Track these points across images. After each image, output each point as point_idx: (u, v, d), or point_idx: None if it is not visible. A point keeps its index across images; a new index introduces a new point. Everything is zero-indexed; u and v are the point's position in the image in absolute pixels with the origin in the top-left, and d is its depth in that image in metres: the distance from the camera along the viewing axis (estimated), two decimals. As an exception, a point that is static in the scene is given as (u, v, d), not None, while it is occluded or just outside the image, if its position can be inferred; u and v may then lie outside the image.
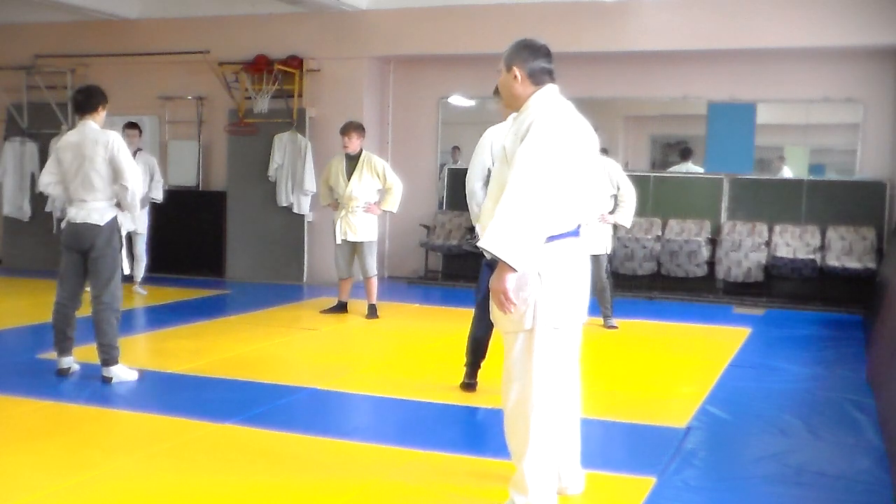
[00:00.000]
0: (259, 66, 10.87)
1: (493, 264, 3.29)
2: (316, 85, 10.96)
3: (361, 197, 8.19)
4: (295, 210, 10.84)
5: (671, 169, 10.87)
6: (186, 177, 11.58)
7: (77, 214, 5.67)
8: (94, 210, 5.65)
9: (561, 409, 3.46)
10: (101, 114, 6.04)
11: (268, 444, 4.50)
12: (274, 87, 10.87)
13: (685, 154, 10.87)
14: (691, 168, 10.71)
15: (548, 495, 3.43)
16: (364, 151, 8.37)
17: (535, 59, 3.46)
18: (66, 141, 5.90)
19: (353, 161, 8.28)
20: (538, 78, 3.45)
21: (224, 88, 11.09)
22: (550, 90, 3.47)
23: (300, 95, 10.91)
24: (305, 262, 10.95)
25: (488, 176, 4.91)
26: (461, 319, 8.41)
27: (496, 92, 5.25)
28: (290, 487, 3.89)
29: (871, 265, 9.25)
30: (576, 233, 3.41)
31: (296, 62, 10.88)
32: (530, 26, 10.09)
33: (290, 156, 10.82)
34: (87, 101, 5.94)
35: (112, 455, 4.26)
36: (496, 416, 5.07)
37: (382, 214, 8.61)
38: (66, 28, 11.80)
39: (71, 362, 5.78)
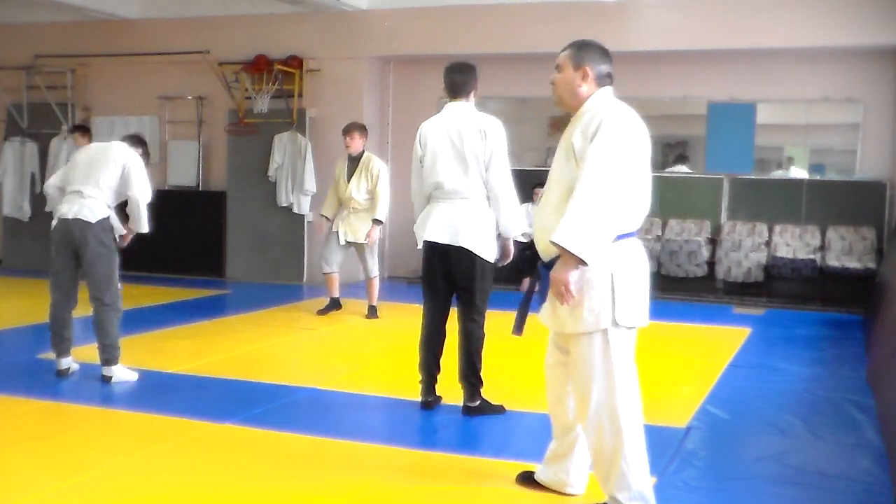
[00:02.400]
0: (259, 66, 10.87)
1: (550, 266, 3.33)
2: (316, 85, 10.96)
3: (361, 199, 8.18)
4: (295, 210, 10.84)
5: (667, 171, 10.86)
6: (186, 177, 11.58)
7: (69, 210, 5.62)
8: (87, 206, 5.61)
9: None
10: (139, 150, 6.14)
11: (268, 444, 4.50)
12: (274, 87, 10.87)
13: (680, 160, 10.86)
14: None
15: (649, 489, 3.43)
16: (366, 153, 8.35)
17: (603, 62, 3.46)
18: (88, 147, 6.02)
19: (354, 162, 8.27)
20: (603, 80, 3.45)
21: (224, 88, 11.09)
22: (610, 92, 3.48)
23: (300, 95, 10.91)
24: (305, 262, 10.95)
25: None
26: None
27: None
28: (290, 487, 3.89)
29: (871, 265, 9.25)
30: (637, 233, 3.44)
31: (296, 62, 10.88)
32: (530, 26, 10.12)
33: (290, 156, 10.82)
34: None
35: (112, 455, 4.26)
36: (496, 416, 5.08)
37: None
38: (66, 28, 11.80)
39: (70, 362, 5.77)
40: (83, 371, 5.89)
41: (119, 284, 5.72)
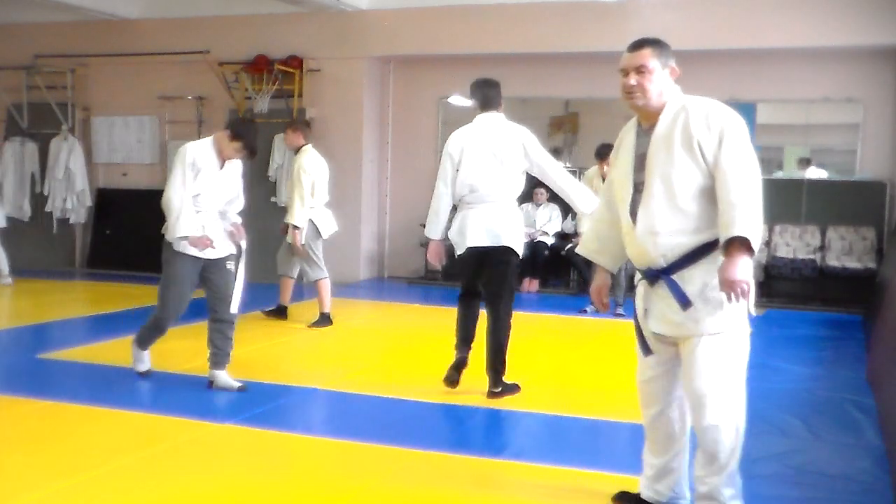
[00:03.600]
0: (259, 66, 10.88)
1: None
2: (316, 85, 10.96)
3: (285, 198, 7.89)
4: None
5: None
6: (186, 177, 11.56)
7: None
8: None
9: None
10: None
11: (268, 444, 4.50)
12: (274, 87, 10.87)
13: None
14: None
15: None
16: (304, 149, 7.86)
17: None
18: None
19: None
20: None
21: (224, 88, 11.09)
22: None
23: (300, 95, 10.91)
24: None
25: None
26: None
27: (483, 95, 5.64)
28: (290, 487, 3.89)
29: (871, 265, 9.25)
30: None
31: (296, 62, 10.88)
32: (530, 26, 10.12)
33: (291, 156, 10.81)
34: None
35: (112, 455, 4.26)
36: (496, 416, 5.09)
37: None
38: (66, 28, 11.80)
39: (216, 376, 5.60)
40: (83, 371, 5.89)
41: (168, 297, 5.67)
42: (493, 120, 5.53)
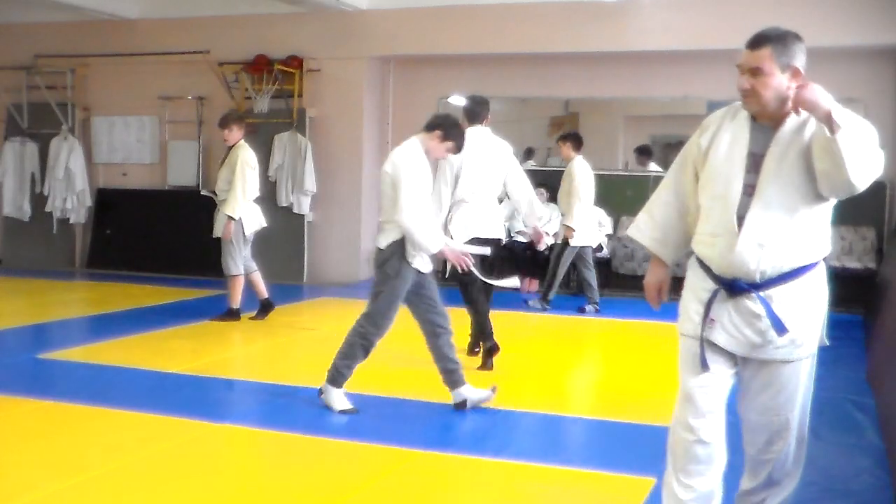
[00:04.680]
0: (259, 66, 10.87)
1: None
2: (316, 85, 10.96)
3: (221, 191, 7.76)
4: (295, 210, 10.85)
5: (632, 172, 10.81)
6: (186, 177, 11.57)
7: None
8: (381, 231, 5.09)
9: None
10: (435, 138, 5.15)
11: (268, 444, 4.51)
12: (274, 87, 10.87)
13: (644, 152, 10.87)
14: (654, 168, 10.65)
15: None
16: (239, 143, 7.81)
17: (804, 53, 2.91)
18: None
19: (226, 152, 7.91)
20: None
21: (224, 88, 11.09)
22: None
23: (300, 95, 10.91)
24: (305, 262, 10.96)
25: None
26: (461, 319, 8.41)
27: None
28: (290, 487, 3.89)
29: (871, 265, 9.25)
30: None
31: (296, 62, 10.88)
32: (530, 26, 10.12)
33: (290, 156, 10.82)
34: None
35: (112, 455, 4.26)
36: (496, 416, 5.09)
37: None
38: (66, 28, 11.79)
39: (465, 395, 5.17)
40: (81, 371, 5.89)
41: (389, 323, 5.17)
42: (483, 133, 6.42)
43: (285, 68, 10.77)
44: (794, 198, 2.85)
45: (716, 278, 2.96)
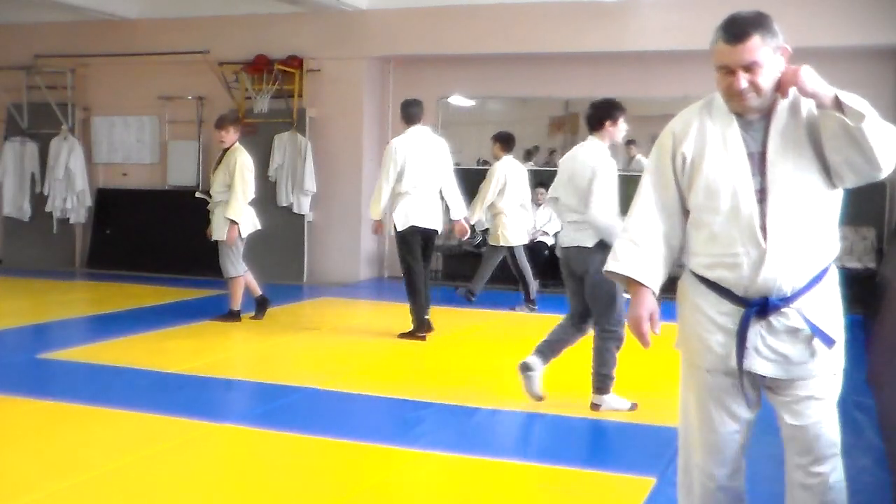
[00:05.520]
0: (259, 66, 10.87)
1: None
2: (316, 85, 10.96)
3: (217, 193, 7.85)
4: (295, 210, 10.85)
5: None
6: (186, 177, 11.57)
7: (565, 237, 5.28)
8: (580, 230, 5.16)
9: None
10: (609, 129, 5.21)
11: (268, 444, 4.50)
12: (274, 87, 10.87)
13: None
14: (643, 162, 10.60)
15: None
16: (235, 146, 7.94)
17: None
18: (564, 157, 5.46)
19: (222, 154, 8.01)
20: None
21: (224, 88, 11.09)
22: None
23: (300, 95, 10.91)
24: (305, 262, 10.96)
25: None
26: (461, 319, 8.42)
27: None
28: (290, 487, 3.89)
29: (871, 265, 9.25)
30: None
31: (296, 62, 10.88)
32: (530, 26, 10.12)
33: (290, 156, 10.82)
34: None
35: (112, 455, 4.26)
36: (496, 416, 5.09)
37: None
38: (66, 28, 11.79)
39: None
40: (83, 371, 5.88)
41: (622, 312, 5.06)
42: (425, 132, 7.43)
43: (285, 68, 10.77)
44: (807, 195, 2.57)
45: (739, 300, 2.61)
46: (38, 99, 11.85)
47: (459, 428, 4.93)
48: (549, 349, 5.30)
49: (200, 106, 11.51)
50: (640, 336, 2.72)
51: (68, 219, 11.74)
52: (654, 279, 2.73)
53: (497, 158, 8.87)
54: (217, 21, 11.21)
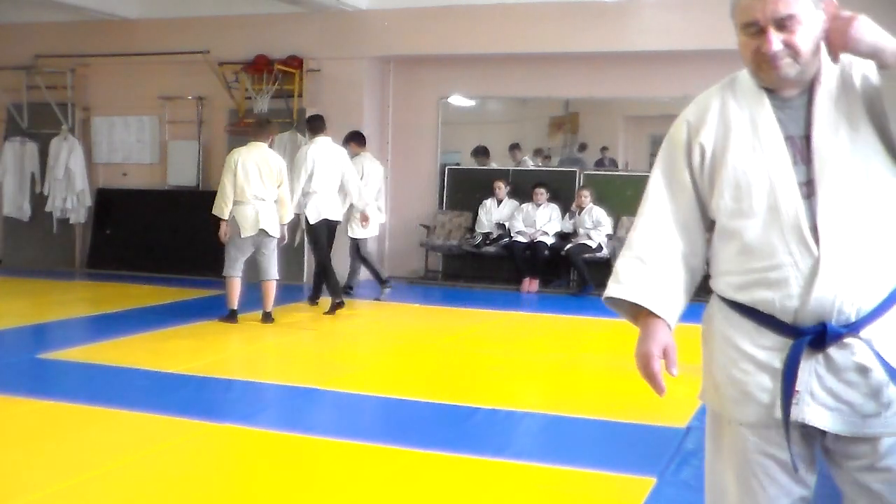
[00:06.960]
0: (259, 66, 10.88)
1: None
2: (316, 85, 10.96)
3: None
4: (295, 210, 10.83)
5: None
6: (186, 177, 11.57)
7: None
8: None
9: None
10: None
11: (268, 444, 4.50)
12: (274, 87, 10.87)
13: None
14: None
15: None
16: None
17: None
18: None
19: None
20: None
21: (224, 88, 11.09)
22: None
23: (300, 95, 10.91)
24: (305, 262, 10.95)
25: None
26: (461, 319, 8.44)
27: None
28: (290, 487, 3.89)
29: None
30: None
31: (296, 62, 10.88)
32: (530, 26, 10.12)
33: (291, 156, 10.81)
34: None
35: (112, 455, 4.26)
36: (496, 416, 5.09)
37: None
38: (66, 28, 11.80)
39: None
40: (83, 371, 5.88)
41: None
42: (329, 142, 8.64)
43: (285, 68, 10.77)
44: (869, 185, 1.92)
45: (786, 329, 1.97)
46: (38, 99, 11.86)
47: (460, 428, 4.93)
48: None
49: (200, 106, 11.51)
50: (651, 378, 2.14)
51: (68, 219, 11.74)
52: (667, 307, 2.13)
53: (356, 155, 9.39)
54: (217, 21, 11.22)
